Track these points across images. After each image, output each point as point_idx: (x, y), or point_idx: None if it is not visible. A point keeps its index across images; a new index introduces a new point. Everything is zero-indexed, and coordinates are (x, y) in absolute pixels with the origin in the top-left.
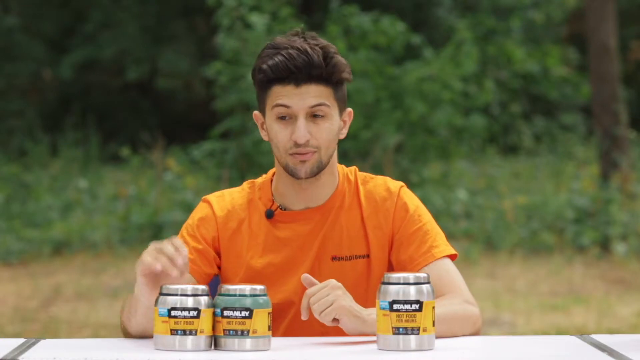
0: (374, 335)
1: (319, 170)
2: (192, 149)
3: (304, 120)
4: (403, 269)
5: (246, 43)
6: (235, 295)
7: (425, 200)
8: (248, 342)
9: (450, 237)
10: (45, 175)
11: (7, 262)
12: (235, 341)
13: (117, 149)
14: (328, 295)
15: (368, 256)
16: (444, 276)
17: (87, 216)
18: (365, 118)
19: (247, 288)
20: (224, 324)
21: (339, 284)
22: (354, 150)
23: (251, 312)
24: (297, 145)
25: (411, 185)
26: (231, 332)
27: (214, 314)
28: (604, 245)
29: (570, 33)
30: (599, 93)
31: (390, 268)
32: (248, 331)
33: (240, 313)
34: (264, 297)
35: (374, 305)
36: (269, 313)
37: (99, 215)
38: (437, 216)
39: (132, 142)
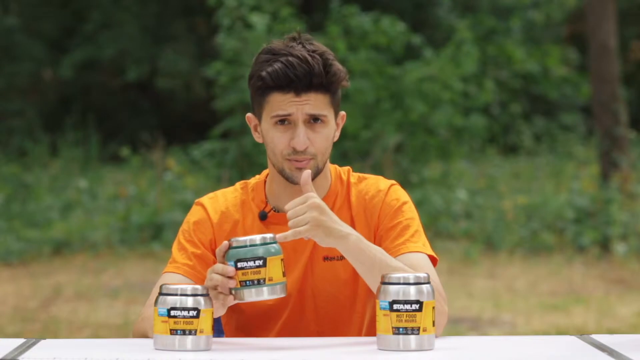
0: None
1: (315, 175)
2: (192, 149)
3: (303, 127)
4: None
5: (246, 43)
6: (246, 246)
7: (425, 200)
8: (265, 290)
9: (450, 237)
10: (45, 175)
11: (7, 262)
12: (253, 291)
13: (117, 149)
14: (304, 214)
15: None
16: (415, 267)
17: (87, 216)
18: (365, 118)
19: (257, 238)
20: (239, 276)
21: (317, 203)
22: (354, 150)
23: (264, 260)
24: (295, 152)
25: (411, 185)
26: (247, 282)
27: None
28: (604, 245)
29: (570, 33)
30: (599, 93)
31: None
32: (264, 279)
33: (254, 262)
34: (275, 245)
35: (364, 305)
36: (281, 259)
37: (99, 215)
38: (437, 216)
39: (132, 142)
